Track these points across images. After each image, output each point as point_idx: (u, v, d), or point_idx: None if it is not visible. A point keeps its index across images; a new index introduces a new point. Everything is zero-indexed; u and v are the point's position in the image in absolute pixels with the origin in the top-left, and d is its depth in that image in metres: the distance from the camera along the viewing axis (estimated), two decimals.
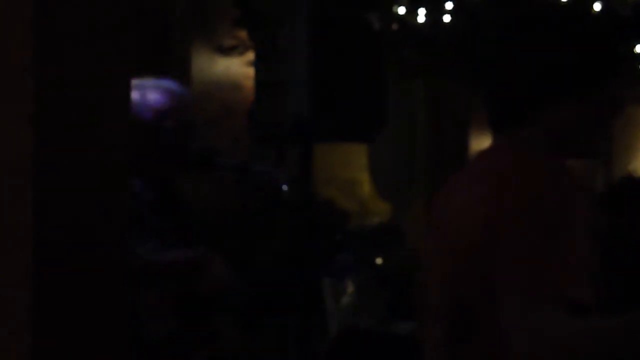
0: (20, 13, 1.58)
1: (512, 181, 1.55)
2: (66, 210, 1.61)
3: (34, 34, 1.57)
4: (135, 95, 2.56)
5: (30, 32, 1.57)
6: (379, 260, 3.24)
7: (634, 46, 5.91)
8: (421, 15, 6.20)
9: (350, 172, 7.14)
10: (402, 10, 6.10)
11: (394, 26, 6.10)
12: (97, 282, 1.67)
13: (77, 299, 1.63)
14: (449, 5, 6.17)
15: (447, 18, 6.21)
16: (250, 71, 5.38)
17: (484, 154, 1.75)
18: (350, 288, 3.74)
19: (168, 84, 2.70)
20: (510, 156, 1.62)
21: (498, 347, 1.53)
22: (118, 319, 1.72)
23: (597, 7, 5.40)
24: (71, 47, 1.64)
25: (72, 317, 1.62)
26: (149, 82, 2.65)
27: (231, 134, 5.21)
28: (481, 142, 9.38)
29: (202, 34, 5.49)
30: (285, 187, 2.74)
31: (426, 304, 1.76)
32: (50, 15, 1.59)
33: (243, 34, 5.58)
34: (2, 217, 1.58)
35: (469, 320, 1.59)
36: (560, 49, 1.62)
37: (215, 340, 2.54)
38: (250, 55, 5.24)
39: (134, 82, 2.61)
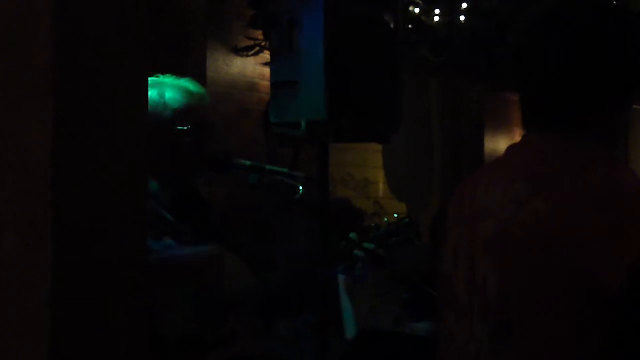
0: (39, 13, 1.59)
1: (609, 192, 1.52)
2: (85, 210, 1.62)
3: (53, 33, 1.58)
4: (153, 94, 2.56)
5: (50, 32, 1.58)
6: (394, 260, 3.23)
7: None
8: (436, 15, 6.20)
9: (366, 172, 7.14)
10: (417, 10, 6.11)
11: (410, 26, 6.10)
12: (117, 281, 1.67)
13: (97, 298, 1.63)
14: (464, 5, 6.17)
15: (462, 18, 6.20)
16: (266, 71, 5.39)
17: (529, 151, 1.68)
18: (366, 288, 3.74)
19: (187, 83, 2.68)
20: (583, 159, 1.58)
21: (539, 351, 1.51)
22: (138, 319, 1.72)
23: None
24: (90, 47, 1.65)
25: (92, 317, 1.63)
26: (168, 80, 2.64)
27: (247, 134, 5.23)
28: (496, 141, 9.36)
29: (217, 34, 5.50)
30: (301, 188, 2.73)
31: (449, 300, 1.73)
32: (70, 15, 1.60)
33: (258, 34, 5.59)
34: (22, 217, 1.59)
35: (510, 321, 1.55)
36: (629, 52, 1.63)
37: (233, 340, 2.54)
38: (266, 56, 5.24)
39: (153, 80, 2.62)
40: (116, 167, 1.68)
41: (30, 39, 1.59)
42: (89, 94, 1.63)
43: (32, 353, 1.58)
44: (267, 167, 2.72)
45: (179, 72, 2.75)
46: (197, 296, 2.49)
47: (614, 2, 1.76)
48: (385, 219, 3.08)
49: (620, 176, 1.55)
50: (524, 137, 1.72)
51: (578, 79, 1.62)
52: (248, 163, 2.70)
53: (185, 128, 2.59)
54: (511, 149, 1.76)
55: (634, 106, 1.75)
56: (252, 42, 5.66)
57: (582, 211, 1.49)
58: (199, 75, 5.17)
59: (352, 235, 2.91)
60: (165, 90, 2.61)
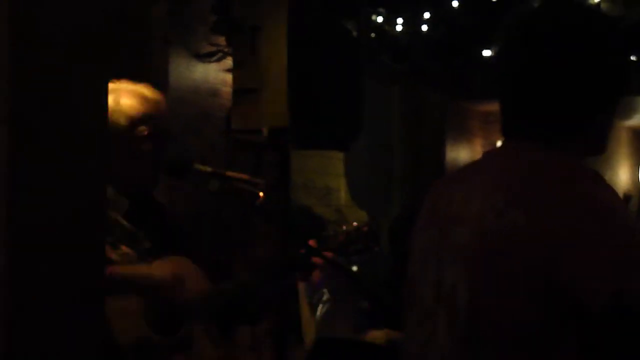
0: None
1: (582, 194, 1.51)
2: (42, 215, 1.60)
3: (9, 36, 1.56)
4: (109, 100, 2.53)
5: (6, 34, 1.56)
6: (354, 267, 3.24)
7: None
8: (399, 24, 6.24)
9: (327, 180, 7.14)
10: (380, 18, 6.13)
11: (372, 34, 6.13)
12: (72, 287, 1.66)
13: (53, 304, 1.62)
14: (426, 15, 6.20)
15: (424, 27, 6.24)
16: (228, 77, 5.38)
17: (508, 159, 1.67)
18: (326, 295, 3.74)
19: (143, 89, 2.64)
20: (566, 166, 1.59)
21: None
22: (93, 326, 1.71)
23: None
24: (48, 50, 1.63)
25: (48, 321, 1.61)
26: (123, 86, 2.60)
27: (208, 140, 5.21)
28: (456, 149, 9.43)
29: (180, 39, 5.48)
30: (260, 194, 2.71)
31: (412, 300, 1.71)
32: (28, 18, 1.58)
33: (221, 40, 5.58)
34: None
35: (480, 331, 1.54)
36: (609, 60, 1.64)
37: (188, 345, 2.52)
38: (229, 62, 5.23)
39: (109, 86, 2.58)
40: (74, 170, 1.66)
41: None
42: (46, 96, 1.62)
43: None
44: (228, 173, 2.70)
45: (140, 77, 2.72)
46: (151, 303, 2.47)
47: (592, 9, 1.77)
48: (344, 227, 3.07)
49: (599, 192, 1.53)
50: (503, 144, 1.71)
51: (557, 88, 1.62)
52: (208, 169, 2.68)
53: (142, 135, 2.56)
54: (489, 154, 1.75)
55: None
56: (214, 48, 5.64)
57: (559, 225, 1.47)
58: (160, 81, 5.14)
59: (312, 242, 2.91)
60: (121, 96, 2.57)
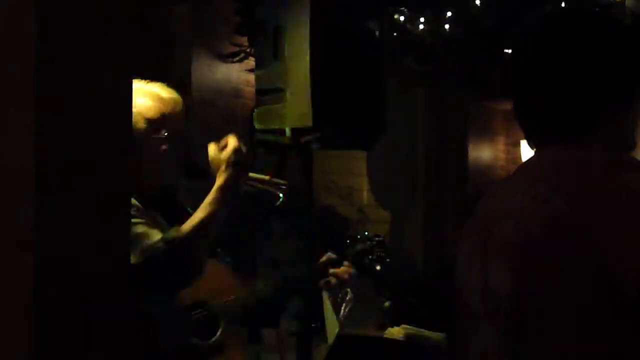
0: (22, 18, 1.59)
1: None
2: (68, 216, 1.61)
3: (36, 39, 1.57)
4: None
5: (33, 37, 1.57)
6: (377, 267, 3.24)
7: None
8: (421, 23, 6.22)
9: (350, 180, 7.14)
10: (402, 18, 6.12)
11: (395, 34, 6.11)
12: (99, 287, 1.67)
13: (80, 305, 1.63)
14: (448, 14, 6.18)
15: (447, 26, 6.22)
16: (251, 78, 5.39)
17: (545, 159, 1.69)
18: (349, 295, 3.74)
19: (158, 89, 2.61)
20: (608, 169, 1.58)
21: (557, 349, 1.52)
22: (121, 325, 1.71)
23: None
24: (73, 52, 1.64)
25: (75, 323, 1.62)
26: (138, 86, 2.54)
27: None
28: (479, 150, 9.40)
29: (202, 40, 5.49)
30: (281, 195, 2.72)
31: (463, 307, 1.72)
32: (53, 20, 1.59)
33: (243, 40, 5.59)
34: (4, 221, 1.58)
35: (525, 320, 1.55)
36: (630, 52, 1.65)
37: (221, 349, 2.54)
38: (251, 62, 5.23)
39: None
40: (100, 171, 1.67)
41: (12, 44, 1.58)
42: (72, 99, 1.63)
43: (13, 357, 1.57)
44: (249, 174, 2.69)
45: (163, 78, 2.71)
46: (191, 309, 2.48)
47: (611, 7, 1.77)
48: (358, 236, 3.11)
49: (638, 180, 1.54)
50: (537, 149, 1.72)
51: (581, 83, 1.63)
52: None
53: (159, 135, 2.54)
54: (526, 162, 1.76)
55: None
56: (237, 49, 5.65)
57: (602, 212, 1.49)
58: (183, 81, 5.16)
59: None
60: (137, 97, 2.52)
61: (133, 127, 2.42)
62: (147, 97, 2.57)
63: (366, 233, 3.13)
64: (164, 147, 2.55)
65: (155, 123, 2.54)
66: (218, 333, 2.49)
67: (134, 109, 2.49)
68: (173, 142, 2.57)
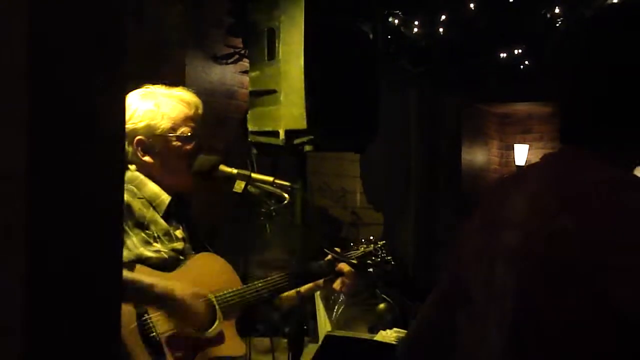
0: (15, 20, 1.59)
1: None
2: (61, 219, 1.61)
3: (28, 39, 1.58)
4: (149, 105, 2.60)
5: (25, 37, 1.58)
6: (370, 270, 3.25)
7: None
8: (415, 26, 6.23)
9: (343, 182, 7.15)
10: (396, 21, 6.14)
11: (389, 37, 6.13)
12: (93, 288, 1.67)
13: (74, 306, 1.63)
14: (442, 17, 6.20)
15: (440, 29, 6.24)
16: (245, 80, 5.39)
17: (562, 163, 1.66)
18: (342, 297, 3.74)
19: (180, 92, 2.72)
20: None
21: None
22: (114, 328, 1.72)
23: None
24: (67, 53, 1.65)
25: (68, 324, 1.62)
26: (160, 91, 2.68)
27: (224, 142, 5.22)
28: (472, 152, 9.42)
29: (196, 42, 5.50)
30: (286, 196, 2.75)
31: (463, 300, 1.72)
32: (46, 22, 1.60)
33: (238, 42, 5.60)
34: None
35: (526, 332, 1.56)
36: None
37: (223, 340, 2.57)
38: (245, 64, 5.24)
39: (145, 91, 2.65)
40: (93, 177, 1.67)
41: (4, 44, 1.58)
42: (65, 101, 1.63)
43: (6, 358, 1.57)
44: (253, 175, 2.73)
45: (157, 80, 2.75)
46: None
47: None
48: (362, 239, 3.13)
49: None
50: (560, 148, 1.69)
51: (616, 92, 1.59)
52: (234, 171, 2.71)
53: (184, 136, 2.63)
54: (546, 158, 1.74)
55: None
56: (231, 50, 5.66)
57: (609, 233, 1.48)
58: (177, 83, 5.15)
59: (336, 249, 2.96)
60: (160, 100, 2.64)
61: (157, 127, 2.59)
62: (172, 99, 2.67)
63: (371, 238, 3.15)
64: (188, 146, 2.64)
65: (179, 123, 2.64)
66: (216, 324, 2.52)
67: (158, 110, 2.61)
68: (196, 142, 2.67)
